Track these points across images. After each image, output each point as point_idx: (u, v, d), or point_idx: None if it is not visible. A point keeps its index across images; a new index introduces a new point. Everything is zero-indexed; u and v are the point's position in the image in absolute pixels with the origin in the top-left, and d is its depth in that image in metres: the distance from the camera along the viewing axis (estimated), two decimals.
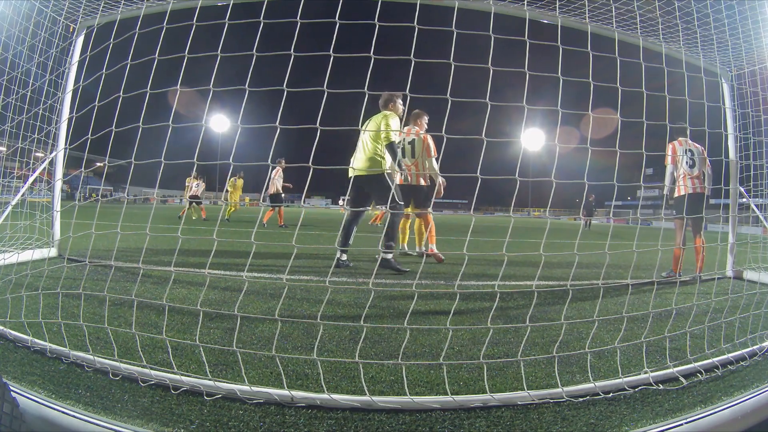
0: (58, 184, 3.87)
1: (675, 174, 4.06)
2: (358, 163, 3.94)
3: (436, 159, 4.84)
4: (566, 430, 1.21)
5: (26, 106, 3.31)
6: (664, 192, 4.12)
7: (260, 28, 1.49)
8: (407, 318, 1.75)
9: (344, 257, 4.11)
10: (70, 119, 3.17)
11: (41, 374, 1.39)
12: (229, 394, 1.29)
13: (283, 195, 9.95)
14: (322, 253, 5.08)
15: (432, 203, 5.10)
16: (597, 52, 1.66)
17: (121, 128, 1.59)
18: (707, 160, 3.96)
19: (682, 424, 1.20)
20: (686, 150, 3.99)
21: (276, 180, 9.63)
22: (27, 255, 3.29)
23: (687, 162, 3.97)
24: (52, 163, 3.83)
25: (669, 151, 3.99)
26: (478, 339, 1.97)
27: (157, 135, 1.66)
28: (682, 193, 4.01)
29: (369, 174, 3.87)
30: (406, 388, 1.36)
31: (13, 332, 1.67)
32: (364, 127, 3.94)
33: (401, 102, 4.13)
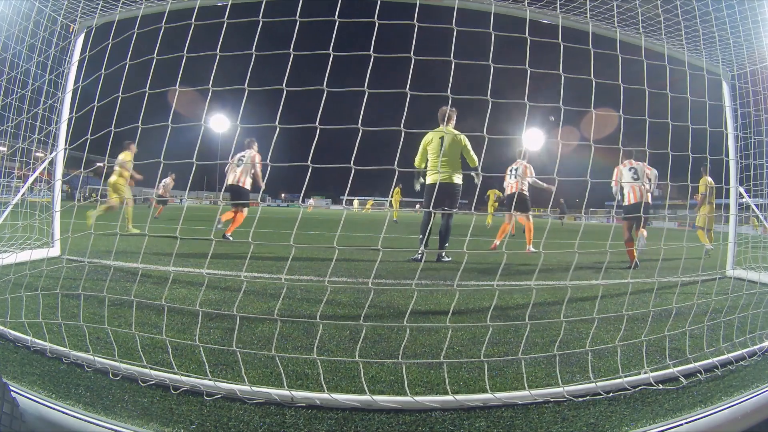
0: (58, 184, 3.86)
1: (619, 190, 5.16)
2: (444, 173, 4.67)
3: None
4: (566, 430, 1.20)
5: (26, 106, 3.31)
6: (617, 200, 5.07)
7: (259, 27, 1.48)
8: (407, 317, 1.75)
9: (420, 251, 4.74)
10: (69, 119, 3.17)
11: (41, 374, 1.39)
12: (229, 394, 1.29)
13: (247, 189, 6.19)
14: (321, 253, 5.07)
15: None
16: (597, 49, 1.65)
17: (121, 128, 1.58)
18: (649, 173, 5.07)
19: (682, 424, 1.20)
20: (630, 168, 5.15)
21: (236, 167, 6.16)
22: (26, 255, 3.29)
23: (632, 176, 5.11)
24: (52, 163, 3.83)
25: (614, 176, 4.92)
26: (478, 339, 1.97)
27: (156, 135, 1.65)
28: (631, 201, 5.07)
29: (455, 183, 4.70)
30: (406, 387, 1.36)
31: (13, 332, 1.67)
32: (431, 139, 4.76)
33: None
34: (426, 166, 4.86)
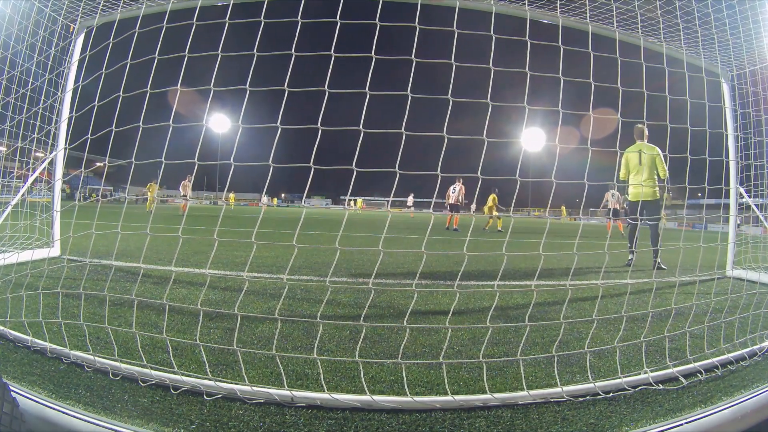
0: (58, 184, 3.86)
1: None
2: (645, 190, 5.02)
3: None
4: (566, 430, 1.21)
5: (26, 106, 3.30)
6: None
7: (261, 27, 1.49)
8: (407, 318, 1.75)
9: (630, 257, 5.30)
10: (70, 119, 3.16)
11: (41, 374, 1.39)
12: (229, 394, 1.29)
13: (459, 205, 12.52)
14: (322, 253, 5.07)
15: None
16: (597, 53, 1.66)
17: (122, 128, 1.58)
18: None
19: (682, 424, 1.20)
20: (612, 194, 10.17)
21: (452, 193, 12.40)
22: (27, 255, 3.29)
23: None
24: (52, 163, 3.83)
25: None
26: (478, 339, 1.97)
27: (157, 135, 1.65)
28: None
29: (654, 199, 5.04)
30: (406, 387, 1.36)
31: (13, 332, 1.67)
32: (630, 156, 5.06)
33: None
34: (628, 180, 5.32)
